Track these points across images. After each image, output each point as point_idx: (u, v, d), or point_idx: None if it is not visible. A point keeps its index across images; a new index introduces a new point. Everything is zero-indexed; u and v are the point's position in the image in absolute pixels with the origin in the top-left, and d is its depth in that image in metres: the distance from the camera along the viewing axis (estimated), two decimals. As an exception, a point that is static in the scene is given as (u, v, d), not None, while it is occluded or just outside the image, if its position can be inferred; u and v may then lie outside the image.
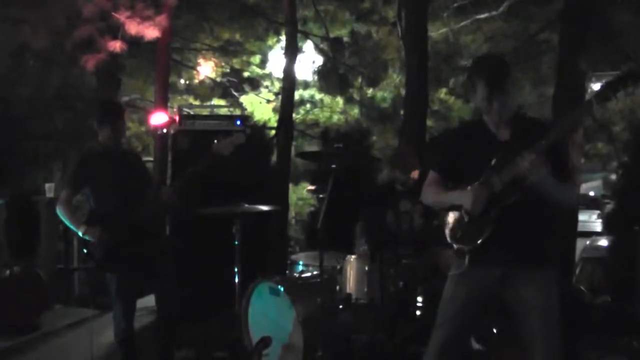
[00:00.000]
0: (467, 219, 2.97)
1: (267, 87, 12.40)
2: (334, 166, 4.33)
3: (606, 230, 8.75)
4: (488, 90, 2.86)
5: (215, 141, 4.23)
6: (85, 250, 4.01)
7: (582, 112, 2.81)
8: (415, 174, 5.03)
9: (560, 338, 2.90)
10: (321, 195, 10.36)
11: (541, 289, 2.91)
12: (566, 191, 2.90)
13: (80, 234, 3.96)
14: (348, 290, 4.73)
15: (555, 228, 3.06)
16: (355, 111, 11.75)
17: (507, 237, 2.87)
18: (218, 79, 12.64)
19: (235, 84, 12.61)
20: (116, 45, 7.26)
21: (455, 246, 3.05)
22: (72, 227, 4.05)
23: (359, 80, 12.09)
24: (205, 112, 7.87)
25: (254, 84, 12.61)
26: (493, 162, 2.88)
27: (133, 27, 7.11)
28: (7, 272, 5.57)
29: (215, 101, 12.37)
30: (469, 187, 2.95)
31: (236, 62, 12.21)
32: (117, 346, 4.19)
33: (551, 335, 2.88)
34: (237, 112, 7.73)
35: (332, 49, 11.62)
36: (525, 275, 2.91)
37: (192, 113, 6.95)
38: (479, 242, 2.91)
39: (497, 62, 2.98)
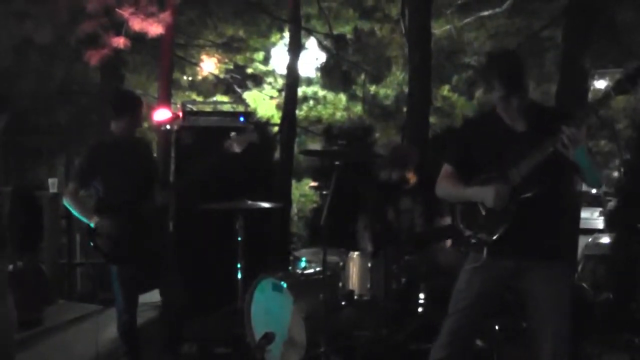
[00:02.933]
0: (484, 212, 2.97)
1: (270, 83, 12.40)
2: (337, 163, 4.34)
3: (608, 228, 8.75)
4: (506, 91, 2.84)
5: (231, 136, 4.16)
6: (91, 243, 4.01)
7: (599, 104, 2.81)
8: (412, 176, 5.04)
9: (569, 331, 2.91)
10: (324, 192, 10.38)
11: (554, 282, 2.93)
12: (598, 168, 2.93)
13: (92, 225, 3.95)
14: (351, 287, 4.73)
15: (567, 222, 3.08)
16: (358, 108, 11.75)
17: (523, 230, 2.88)
18: (221, 76, 12.64)
19: (238, 80, 12.62)
20: (120, 41, 7.26)
21: (472, 239, 3.05)
22: (81, 217, 4.03)
23: (362, 77, 12.09)
24: (209, 108, 7.88)
25: (257, 80, 12.61)
26: (510, 155, 2.87)
27: (137, 23, 7.12)
28: (10, 267, 5.57)
29: (219, 97, 12.37)
30: (490, 184, 2.91)
31: (239, 59, 12.21)
32: (119, 339, 4.21)
33: (560, 327, 2.90)
34: (241, 108, 7.73)
35: (335, 46, 11.63)
36: (540, 267, 2.93)
37: (195, 109, 6.95)
38: (497, 235, 2.92)
39: (512, 61, 2.93)
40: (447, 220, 5.00)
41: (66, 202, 4.05)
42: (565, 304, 2.93)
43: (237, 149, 4.11)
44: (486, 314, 3.24)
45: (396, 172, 5.06)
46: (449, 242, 5.06)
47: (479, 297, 3.02)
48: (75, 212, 4.05)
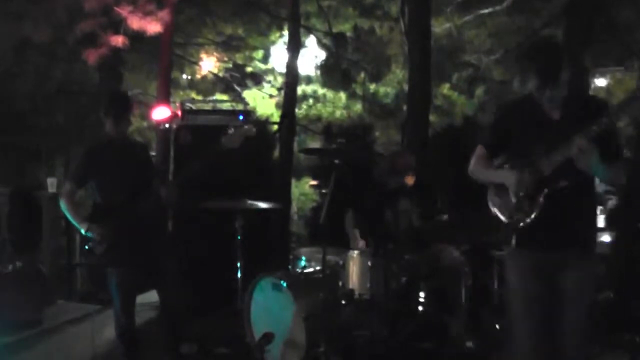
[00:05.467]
0: (514, 200, 2.94)
1: (269, 82, 12.37)
2: (336, 161, 4.32)
3: (609, 226, 8.72)
4: (540, 82, 2.84)
5: (229, 131, 4.12)
6: (86, 247, 4.00)
7: (626, 107, 2.81)
8: (410, 179, 5.05)
9: (591, 324, 2.93)
10: (323, 191, 10.38)
11: (582, 274, 2.92)
12: (614, 173, 2.91)
13: (82, 231, 3.95)
14: (350, 286, 4.73)
15: (594, 214, 3.08)
16: (358, 107, 11.72)
17: (554, 222, 2.87)
18: (220, 74, 12.61)
19: (237, 79, 12.58)
20: (118, 40, 7.24)
21: (506, 224, 3.02)
22: (74, 222, 4.04)
23: (362, 75, 12.06)
24: (208, 107, 7.87)
25: (257, 79, 12.58)
26: (543, 143, 2.86)
27: (135, 22, 7.09)
28: (10, 267, 5.56)
29: (218, 96, 12.34)
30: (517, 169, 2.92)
31: (239, 57, 12.18)
32: (118, 341, 4.19)
33: (584, 321, 2.90)
34: (240, 107, 7.71)
35: (335, 44, 11.59)
36: (568, 260, 2.92)
37: (194, 108, 6.94)
38: (525, 223, 2.89)
39: (550, 51, 2.90)
40: (444, 219, 5.01)
41: (62, 205, 4.05)
42: (590, 298, 2.94)
43: (234, 144, 4.07)
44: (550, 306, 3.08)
45: (394, 179, 5.08)
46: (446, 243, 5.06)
47: (534, 298, 2.98)
48: (69, 217, 4.05)
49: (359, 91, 11.82)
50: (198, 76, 12.91)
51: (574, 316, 2.89)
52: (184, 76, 12.77)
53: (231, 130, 4.10)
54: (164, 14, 7.25)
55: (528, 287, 2.99)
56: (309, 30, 11.12)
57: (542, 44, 3.06)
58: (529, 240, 2.93)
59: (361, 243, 4.99)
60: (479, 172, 3.18)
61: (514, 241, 2.96)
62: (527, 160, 2.90)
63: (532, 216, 2.88)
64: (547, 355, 2.96)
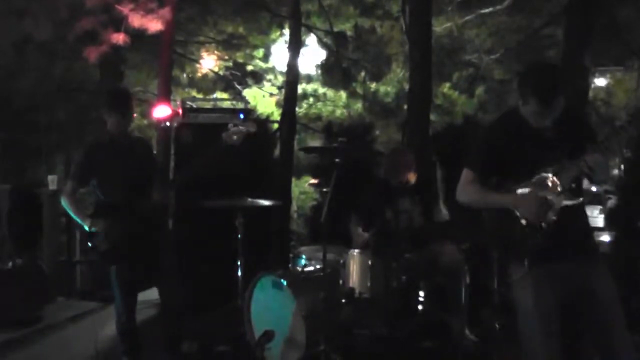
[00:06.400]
0: (525, 221, 2.88)
1: (270, 80, 12.37)
2: (337, 160, 4.33)
3: (608, 226, 8.73)
4: (541, 107, 2.83)
5: (229, 127, 4.11)
6: (89, 244, 4.00)
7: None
8: (411, 177, 5.06)
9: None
10: (324, 189, 10.38)
11: (604, 276, 2.94)
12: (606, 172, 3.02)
13: (86, 228, 3.96)
14: (351, 285, 4.73)
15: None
16: (358, 105, 11.71)
17: (565, 234, 2.86)
18: (221, 73, 12.61)
19: (238, 77, 12.58)
20: (119, 38, 7.24)
21: (513, 249, 2.99)
22: (77, 219, 4.04)
23: (363, 74, 12.06)
24: (208, 105, 7.86)
25: (257, 77, 12.58)
26: (545, 163, 2.87)
27: (136, 20, 7.10)
28: (10, 264, 5.58)
29: (218, 94, 12.35)
30: (523, 190, 2.89)
31: (239, 56, 12.18)
32: (119, 338, 4.20)
33: (622, 318, 2.92)
34: (240, 105, 7.71)
35: (335, 43, 11.59)
36: (587, 265, 2.92)
37: (195, 106, 6.94)
38: (541, 244, 2.87)
39: (550, 76, 2.88)
40: (446, 218, 5.01)
41: (64, 202, 4.07)
42: (618, 298, 2.94)
43: (235, 140, 4.06)
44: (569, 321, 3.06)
45: (395, 178, 5.08)
46: (447, 241, 5.06)
47: (552, 315, 2.92)
48: (71, 214, 4.06)
49: (359, 90, 11.82)
50: (199, 74, 12.90)
51: (615, 312, 2.91)
52: (185, 74, 12.77)
53: (231, 126, 4.09)
54: (165, 12, 7.26)
55: (552, 310, 2.92)
56: (310, 29, 11.11)
57: (540, 70, 3.01)
58: (545, 258, 2.88)
59: (365, 235, 4.97)
60: (474, 199, 3.07)
61: (526, 263, 2.90)
62: (533, 180, 2.87)
63: (547, 236, 2.85)
64: None
